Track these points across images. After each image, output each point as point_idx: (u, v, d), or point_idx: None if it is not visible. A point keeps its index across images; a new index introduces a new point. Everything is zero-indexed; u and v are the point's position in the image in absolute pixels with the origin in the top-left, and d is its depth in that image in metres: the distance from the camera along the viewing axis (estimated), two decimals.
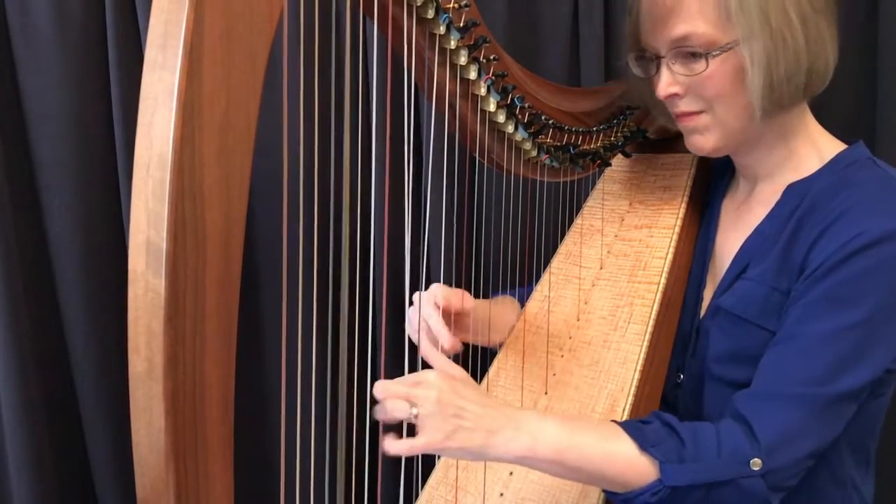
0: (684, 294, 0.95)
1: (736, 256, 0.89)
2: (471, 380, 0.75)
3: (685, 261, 0.97)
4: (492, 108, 0.84)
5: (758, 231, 0.88)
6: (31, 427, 1.23)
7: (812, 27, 0.80)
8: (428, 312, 0.86)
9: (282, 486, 0.65)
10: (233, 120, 0.54)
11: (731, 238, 0.93)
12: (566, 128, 0.93)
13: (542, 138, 0.91)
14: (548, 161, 0.94)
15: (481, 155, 0.89)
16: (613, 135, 1.02)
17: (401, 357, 0.80)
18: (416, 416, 0.68)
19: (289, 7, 0.56)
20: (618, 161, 1.11)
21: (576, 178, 1.03)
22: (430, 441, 0.68)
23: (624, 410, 0.84)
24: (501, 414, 0.71)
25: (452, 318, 0.87)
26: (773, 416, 0.74)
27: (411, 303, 0.89)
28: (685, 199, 1.01)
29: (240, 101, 0.54)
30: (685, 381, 0.92)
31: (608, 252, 1.02)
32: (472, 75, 0.80)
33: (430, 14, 0.73)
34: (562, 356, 0.93)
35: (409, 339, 0.88)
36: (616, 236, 1.03)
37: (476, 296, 1.02)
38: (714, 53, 0.81)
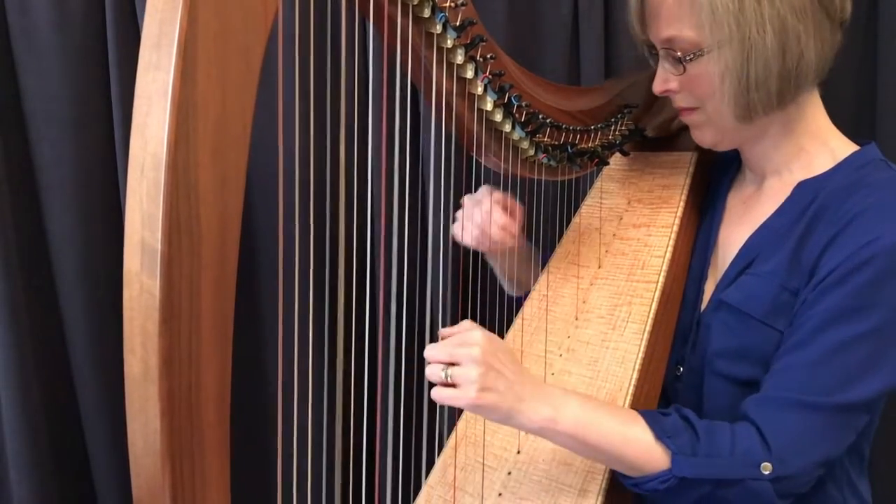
0: (684, 288, 0.95)
1: (741, 250, 0.89)
2: (509, 347, 0.78)
3: (684, 259, 0.97)
4: (489, 106, 0.84)
5: (765, 226, 0.88)
6: (31, 427, 1.23)
7: (790, 35, 0.79)
8: (488, 205, 0.96)
9: (279, 487, 0.65)
10: (228, 120, 0.53)
11: (736, 232, 0.93)
12: (564, 126, 0.93)
13: (539, 137, 0.91)
14: (545, 160, 0.94)
15: (479, 154, 0.89)
16: (611, 133, 1.02)
17: (400, 356, 0.80)
18: (450, 378, 0.72)
19: (284, 6, 0.56)
20: (616, 160, 1.10)
21: (573, 176, 1.03)
22: (463, 395, 0.71)
23: (624, 406, 0.83)
24: (531, 384, 0.75)
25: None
26: (784, 423, 0.75)
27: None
28: (684, 197, 1.01)
29: (235, 100, 0.54)
30: (685, 374, 0.92)
31: (606, 251, 1.01)
32: (469, 74, 0.80)
33: (427, 13, 0.73)
34: (560, 355, 0.93)
35: (407, 338, 0.88)
36: (614, 235, 1.03)
37: (476, 295, 1.02)
38: (688, 58, 0.83)
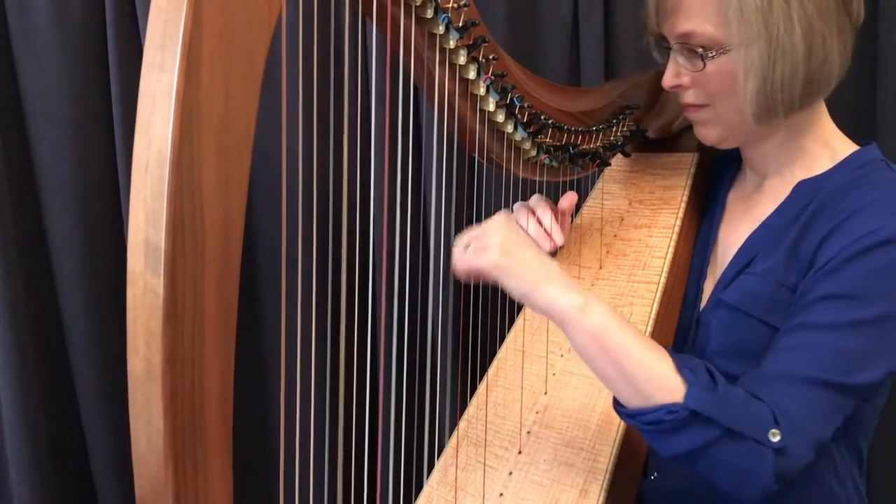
0: (684, 286, 0.95)
1: (740, 249, 0.89)
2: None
3: (685, 260, 0.97)
4: (491, 107, 0.84)
5: (765, 225, 0.88)
6: (31, 427, 1.23)
7: (817, 37, 0.78)
8: (543, 212, 0.96)
9: (281, 486, 0.65)
10: (232, 119, 0.53)
11: (735, 231, 0.93)
12: (565, 127, 0.93)
13: (541, 138, 0.91)
14: (547, 161, 0.94)
15: (480, 154, 0.89)
16: (613, 134, 1.02)
17: (401, 356, 0.80)
18: (472, 247, 0.74)
19: (287, 7, 0.56)
20: (617, 161, 1.11)
21: (575, 177, 1.03)
22: (485, 256, 0.74)
23: None
24: (560, 271, 0.75)
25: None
26: (793, 397, 0.72)
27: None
28: (685, 198, 1.01)
29: (239, 100, 0.54)
30: None
31: (607, 252, 1.02)
32: (472, 75, 0.80)
33: (429, 14, 0.73)
34: (561, 356, 0.93)
35: (409, 338, 0.88)
36: (615, 236, 1.03)
37: (476, 296, 1.02)
38: (710, 55, 0.81)
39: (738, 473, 0.71)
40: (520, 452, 0.86)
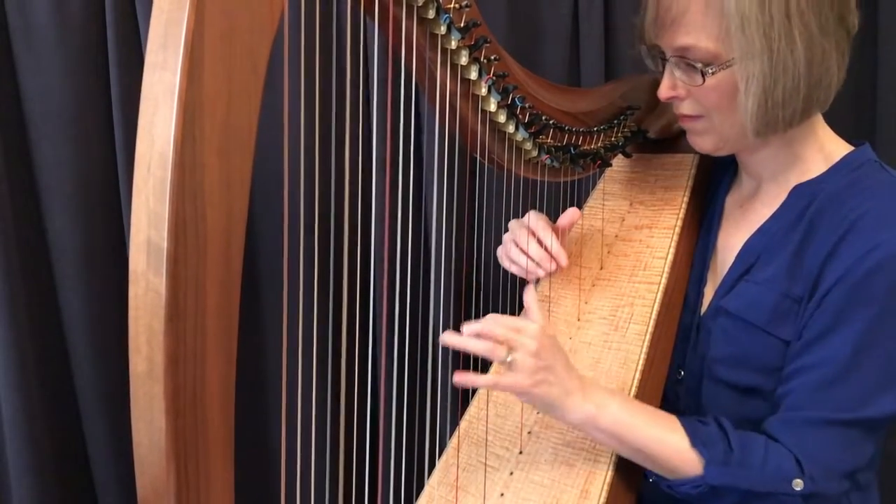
0: (685, 291, 0.95)
1: (739, 255, 0.89)
2: (559, 343, 0.80)
3: (686, 261, 0.97)
4: (492, 108, 0.84)
5: (762, 230, 0.88)
6: (31, 427, 1.23)
7: (817, 51, 0.77)
8: (544, 233, 0.95)
9: (282, 486, 0.65)
10: (234, 119, 0.53)
11: (733, 236, 0.93)
12: (567, 128, 0.93)
13: (542, 138, 0.91)
14: (548, 161, 0.94)
15: (482, 155, 0.89)
16: (614, 135, 1.02)
17: (402, 356, 0.80)
18: (510, 362, 0.75)
19: (289, 7, 0.56)
20: (618, 161, 1.11)
21: (576, 178, 1.03)
22: (518, 382, 0.75)
23: None
24: (578, 380, 0.79)
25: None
26: (814, 442, 0.77)
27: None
28: (686, 199, 1.01)
29: (241, 100, 0.54)
30: (685, 377, 0.92)
31: (608, 252, 1.02)
32: (473, 76, 0.80)
33: (431, 14, 0.73)
34: None
35: (410, 339, 0.88)
36: (616, 236, 1.03)
37: (477, 295, 1.02)
38: (710, 70, 0.81)
39: None
40: (521, 452, 0.86)
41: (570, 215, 0.97)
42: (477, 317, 0.97)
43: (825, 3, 0.77)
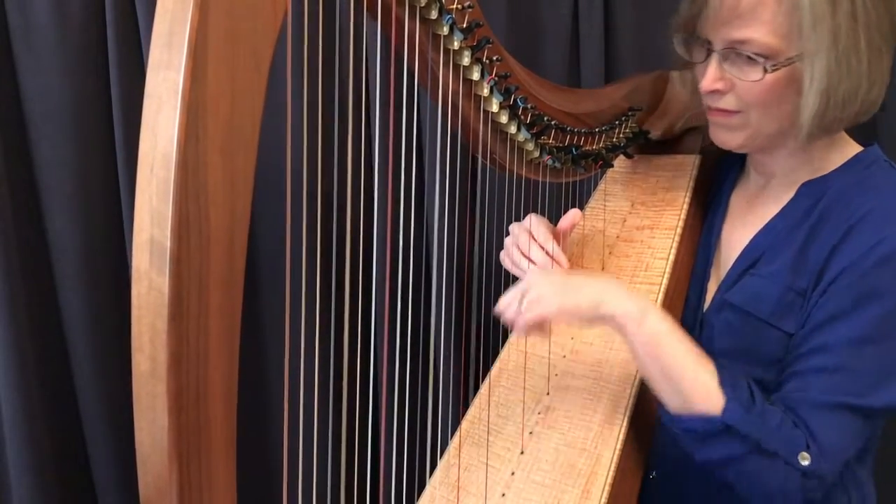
0: (687, 290, 0.95)
1: (745, 250, 0.89)
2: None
3: (687, 261, 0.97)
4: (494, 108, 0.84)
5: (769, 227, 0.88)
6: (31, 427, 1.23)
7: (875, 55, 0.77)
8: (545, 238, 0.94)
9: (284, 485, 0.65)
10: (237, 119, 0.53)
11: (739, 231, 0.93)
12: (568, 129, 0.93)
13: (544, 139, 0.91)
14: (550, 162, 0.94)
15: (483, 155, 0.89)
16: (616, 136, 1.02)
17: (404, 356, 0.80)
18: (526, 303, 0.76)
19: (292, 7, 0.56)
20: (620, 162, 1.11)
21: (578, 178, 1.03)
22: (547, 305, 0.76)
23: (626, 410, 0.84)
24: (615, 283, 0.79)
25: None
26: (831, 424, 0.76)
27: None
28: (687, 199, 1.01)
29: (244, 100, 0.54)
30: None
31: (610, 253, 1.02)
32: (476, 76, 0.80)
33: (434, 15, 0.73)
34: (564, 356, 0.93)
35: (412, 338, 0.88)
36: (618, 237, 1.03)
37: (478, 295, 1.02)
38: (772, 66, 0.78)
39: (766, 489, 0.75)
40: (522, 453, 0.86)
41: (571, 217, 0.96)
42: (477, 317, 0.98)
43: (882, 6, 0.77)
